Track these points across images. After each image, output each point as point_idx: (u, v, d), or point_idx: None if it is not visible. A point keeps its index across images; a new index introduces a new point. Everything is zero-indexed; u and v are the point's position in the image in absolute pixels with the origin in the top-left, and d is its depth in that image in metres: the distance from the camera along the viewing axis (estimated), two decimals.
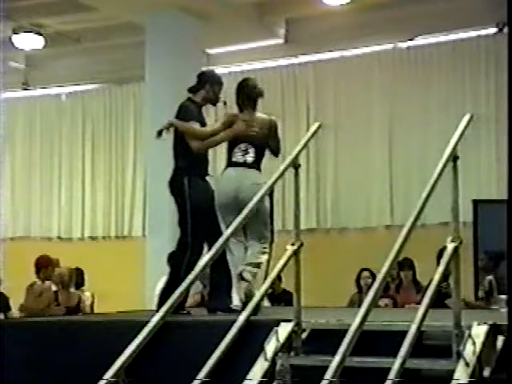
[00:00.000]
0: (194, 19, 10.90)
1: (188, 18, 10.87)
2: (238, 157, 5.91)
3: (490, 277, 8.75)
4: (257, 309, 4.78)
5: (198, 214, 5.89)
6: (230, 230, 4.58)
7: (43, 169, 14.09)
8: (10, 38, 12.31)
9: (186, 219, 5.88)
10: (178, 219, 6.10)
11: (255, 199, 4.69)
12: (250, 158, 5.91)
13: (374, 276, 8.82)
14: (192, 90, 6.24)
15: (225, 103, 6.21)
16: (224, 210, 5.80)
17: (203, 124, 6.19)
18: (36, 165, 14.14)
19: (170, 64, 10.89)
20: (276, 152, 6.11)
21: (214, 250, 4.52)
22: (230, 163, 5.94)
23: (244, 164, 5.89)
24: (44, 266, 9.24)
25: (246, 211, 4.60)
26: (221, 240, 4.55)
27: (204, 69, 7.52)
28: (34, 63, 13.98)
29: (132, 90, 13.28)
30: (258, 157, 5.96)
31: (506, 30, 10.85)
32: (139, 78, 11.48)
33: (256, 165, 5.93)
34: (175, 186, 6.13)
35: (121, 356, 4.23)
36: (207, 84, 6.20)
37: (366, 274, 9.24)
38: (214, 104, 6.28)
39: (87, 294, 9.70)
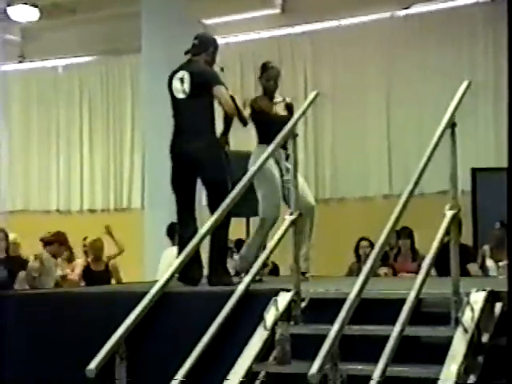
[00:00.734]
0: None
1: None
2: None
3: (486, 246, 8.79)
4: (255, 278, 4.79)
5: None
6: (228, 201, 4.57)
7: (41, 142, 14.07)
8: (5, 10, 12.25)
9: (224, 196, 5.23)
10: (210, 197, 5.66)
11: (254, 168, 4.69)
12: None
13: (372, 245, 8.81)
14: (196, 52, 6.02)
15: (222, 69, 6.14)
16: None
17: None
18: (33, 138, 14.12)
19: (167, 35, 10.83)
20: None
21: (213, 219, 4.52)
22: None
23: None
24: (50, 242, 9.22)
25: (245, 179, 4.61)
26: (220, 210, 4.54)
27: (202, 32, 7.33)
28: (30, 35, 13.91)
29: (128, 61, 13.23)
30: None
31: None
32: (136, 49, 11.42)
33: None
34: (211, 160, 5.62)
35: (120, 327, 4.24)
36: (210, 47, 6.07)
37: (364, 243, 9.25)
38: (211, 67, 6.14)
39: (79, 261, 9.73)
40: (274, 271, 9.21)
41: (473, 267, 8.43)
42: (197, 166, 5.59)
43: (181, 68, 5.85)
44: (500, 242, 8.72)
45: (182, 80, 5.77)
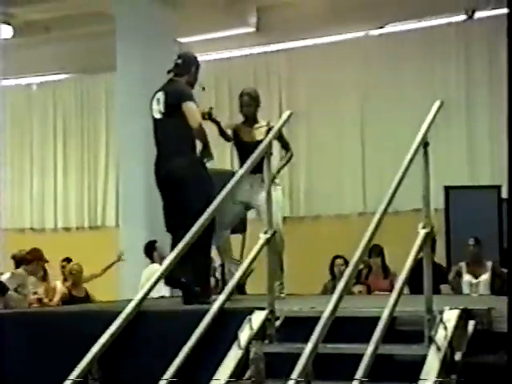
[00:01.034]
0: (164, 8, 10.85)
1: (159, 6, 10.81)
2: None
3: (462, 263, 8.86)
4: (230, 297, 4.78)
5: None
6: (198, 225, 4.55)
7: (14, 160, 13.99)
8: None
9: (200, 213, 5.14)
10: (188, 214, 5.41)
11: (228, 187, 4.69)
12: None
13: (347, 263, 8.84)
14: (178, 73, 5.99)
15: (203, 88, 6.16)
16: None
17: None
18: (7, 156, 14.02)
19: (141, 53, 10.84)
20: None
21: (188, 236, 4.51)
22: None
23: None
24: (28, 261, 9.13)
25: (218, 200, 4.60)
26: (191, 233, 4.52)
27: (184, 52, 7.28)
28: (4, 53, 13.84)
29: (103, 79, 13.21)
30: None
31: (476, 16, 10.93)
32: (110, 67, 11.40)
33: None
34: (192, 177, 5.61)
35: (93, 347, 4.22)
36: (192, 67, 6.05)
37: (339, 261, 9.27)
38: (192, 87, 6.13)
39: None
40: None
41: (445, 288, 8.51)
42: (179, 184, 5.59)
43: (161, 88, 5.88)
44: (475, 258, 8.79)
45: (158, 100, 5.78)
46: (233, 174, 5.98)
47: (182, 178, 5.58)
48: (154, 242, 9.29)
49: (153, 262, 9.26)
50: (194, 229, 4.48)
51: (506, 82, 3.24)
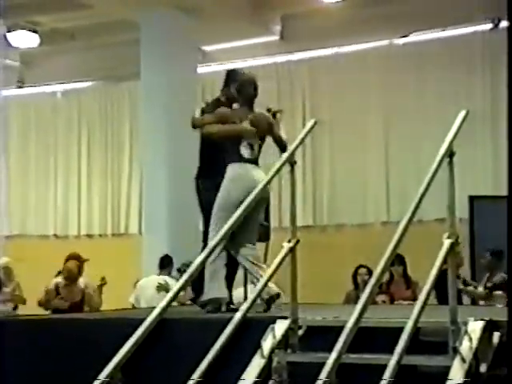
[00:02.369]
0: (188, 16, 10.90)
1: (183, 15, 10.87)
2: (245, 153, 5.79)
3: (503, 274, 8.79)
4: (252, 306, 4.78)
5: None
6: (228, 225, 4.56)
7: (39, 167, 14.09)
8: (5, 36, 12.29)
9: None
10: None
11: (252, 195, 4.68)
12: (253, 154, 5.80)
13: (370, 272, 8.82)
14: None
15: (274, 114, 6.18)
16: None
17: None
18: (31, 163, 14.14)
19: (166, 61, 10.89)
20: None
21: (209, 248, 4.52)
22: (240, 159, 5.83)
23: (251, 160, 5.82)
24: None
25: (243, 207, 4.59)
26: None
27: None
28: (29, 61, 13.97)
29: (127, 87, 13.27)
30: (259, 153, 5.91)
31: (501, 25, 10.86)
32: (134, 75, 11.47)
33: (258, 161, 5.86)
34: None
35: (117, 354, 4.22)
36: (230, 82, 6.17)
37: (363, 270, 9.24)
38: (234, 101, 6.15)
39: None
40: None
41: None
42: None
43: None
44: (492, 271, 8.72)
45: None
46: None
47: None
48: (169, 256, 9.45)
49: (163, 274, 9.32)
50: None
51: (506, 86, 3.21)
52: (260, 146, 5.86)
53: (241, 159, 5.68)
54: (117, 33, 12.34)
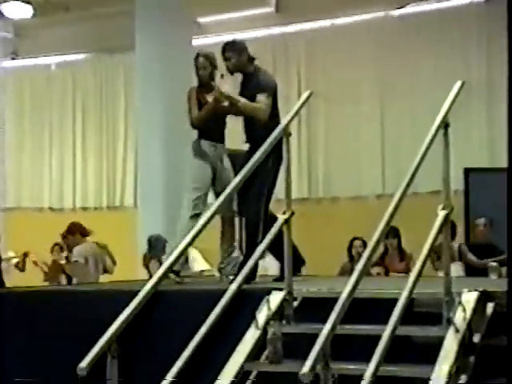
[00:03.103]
0: None
1: None
2: None
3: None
4: (250, 277, 4.80)
5: None
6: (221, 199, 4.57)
7: (33, 139, 14.04)
8: None
9: None
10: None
11: (246, 168, 4.67)
12: None
13: (365, 245, 8.83)
14: None
15: (222, 76, 6.16)
16: None
17: None
18: (26, 135, 14.09)
19: (160, 33, 10.81)
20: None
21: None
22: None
23: None
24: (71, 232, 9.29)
25: (238, 179, 4.60)
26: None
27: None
28: (23, 32, 13.87)
29: (122, 59, 13.18)
30: None
31: None
32: (129, 47, 11.38)
33: None
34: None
35: (112, 325, 4.24)
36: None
37: (357, 242, 9.26)
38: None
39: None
40: None
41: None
42: None
43: None
44: (485, 240, 8.77)
45: None
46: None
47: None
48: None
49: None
50: None
51: (506, 80, 3.20)
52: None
53: None
54: (111, 4, 12.24)
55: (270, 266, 7.08)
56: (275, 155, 5.12)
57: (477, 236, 9.02)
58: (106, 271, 9.13)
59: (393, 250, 8.97)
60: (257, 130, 5.72)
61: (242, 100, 5.87)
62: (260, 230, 5.51)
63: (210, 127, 6.10)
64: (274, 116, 5.78)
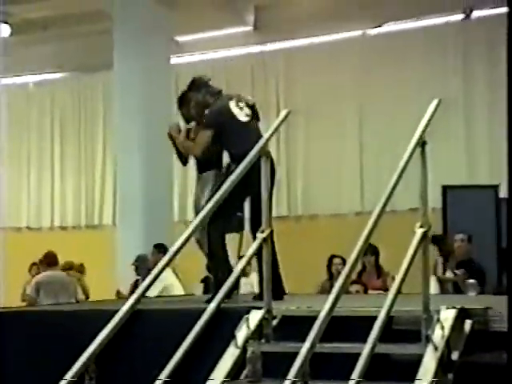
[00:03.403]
0: (162, 6, 10.85)
1: (156, 5, 10.82)
2: None
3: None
4: (228, 296, 4.78)
5: None
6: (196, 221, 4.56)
7: (11, 158, 13.97)
8: None
9: None
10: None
11: (225, 187, 4.66)
12: None
13: (345, 262, 8.84)
14: None
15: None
16: None
17: None
18: (3, 154, 14.01)
19: (139, 51, 10.83)
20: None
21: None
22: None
23: None
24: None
25: (216, 198, 4.59)
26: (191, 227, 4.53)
27: None
28: (1, 51, 13.82)
29: (101, 77, 13.20)
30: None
31: (473, 15, 10.93)
32: (108, 66, 11.39)
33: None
34: None
35: (90, 346, 4.20)
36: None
37: (337, 260, 9.26)
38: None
39: None
40: None
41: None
42: None
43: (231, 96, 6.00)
44: (464, 255, 8.79)
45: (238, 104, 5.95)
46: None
47: None
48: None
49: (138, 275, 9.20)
50: None
51: (506, 82, 3.23)
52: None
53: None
54: (89, 23, 12.26)
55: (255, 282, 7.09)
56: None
57: (456, 251, 9.04)
58: (77, 301, 8.98)
59: (370, 268, 8.99)
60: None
61: (181, 138, 6.08)
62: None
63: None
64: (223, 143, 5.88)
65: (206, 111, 6.07)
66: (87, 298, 9.79)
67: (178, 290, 8.83)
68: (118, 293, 9.23)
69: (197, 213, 5.98)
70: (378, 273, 8.99)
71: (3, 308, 6.26)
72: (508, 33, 3.20)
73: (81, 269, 10.24)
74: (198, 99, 6.07)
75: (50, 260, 9.18)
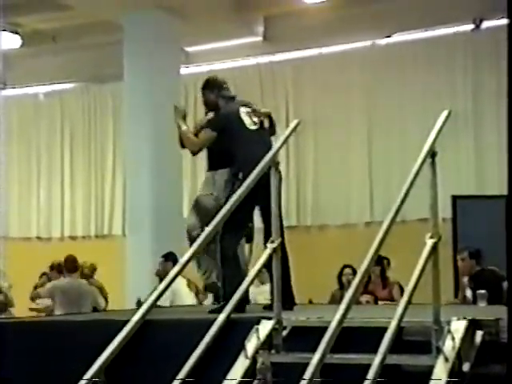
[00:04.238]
0: (171, 17, 10.89)
1: (166, 16, 10.86)
2: None
3: (465, 278, 8.76)
4: (240, 306, 4.78)
5: None
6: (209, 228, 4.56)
7: (21, 169, 14.03)
8: None
9: None
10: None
11: (235, 197, 4.66)
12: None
13: (355, 272, 8.83)
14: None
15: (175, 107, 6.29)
16: None
17: None
18: (14, 165, 14.06)
19: (149, 62, 10.87)
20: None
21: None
22: None
23: None
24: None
25: (226, 209, 4.58)
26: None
27: None
28: (11, 62, 13.88)
29: (110, 88, 13.23)
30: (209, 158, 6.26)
31: (483, 26, 10.92)
32: (117, 76, 11.43)
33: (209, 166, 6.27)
34: None
35: (100, 356, 4.20)
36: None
37: (348, 270, 9.26)
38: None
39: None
40: None
41: None
42: None
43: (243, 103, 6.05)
44: (470, 271, 8.71)
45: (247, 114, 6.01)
46: None
47: None
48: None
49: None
50: None
51: (506, 85, 3.23)
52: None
53: None
54: (99, 34, 12.30)
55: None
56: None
57: (460, 271, 8.94)
58: (95, 309, 8.89)
59: (376, 278, 8.97)
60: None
61: (184, 128, 6.05)
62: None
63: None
64: (227, 148, 5.88)
65: (211, 114, 6.09)
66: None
67: (187, 296, 8.80)
68: (139, 302, 9.12)
69: (198, 210, 6.11)
70: (383, 283, 8.98)
71: (14, 318, 6.28)
72: (508, 38, 3.20)
73: (92, 268, 10.11)
74: (210, 99, 6.10)
75: (70, 265, 9.00)
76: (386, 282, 8.95)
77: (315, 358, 3.55)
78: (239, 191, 4.65)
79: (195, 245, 4.50)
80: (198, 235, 4.88)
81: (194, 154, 6.15)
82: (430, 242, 4.11)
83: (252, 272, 4.67)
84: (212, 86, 6.11)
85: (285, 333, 4.46)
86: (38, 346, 5.06)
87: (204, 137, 5.94)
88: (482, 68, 10.98)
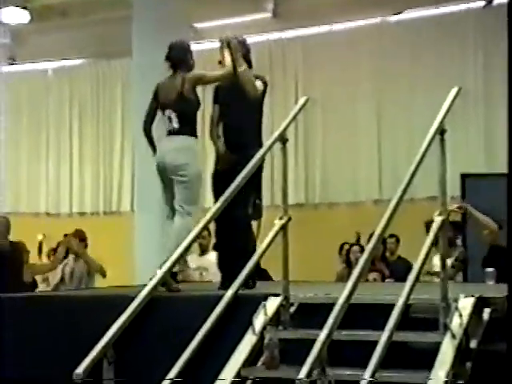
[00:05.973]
0: None
1: None
2: (167, 126, 6.12)
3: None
4: (247, 283, 4.80)
5: None
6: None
7: (30, 144, 14.04)
8: None
9: None
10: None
11: (243, 173, 4.66)
12: (175, 124, 6.09)
13: (363, 250, 8.84)
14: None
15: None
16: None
17: None
18: (23, 140, 14.08)
19: (157, 38, 10.78)
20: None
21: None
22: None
23: (170, 132, 6.11)
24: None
25: (236, 183, 4.57)
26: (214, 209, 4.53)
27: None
28: (20, 38, 13.88)
29: (119, 64, 13.20)
30: (184, 122, 6.04)
31: (494, 2, 10.83)
32: (126, 52, 11.38)
33: (183, 130, 6.03)
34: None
35: (108, 331, 4.23)
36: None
37: (355, 248, 9.26)
38: None
39: None
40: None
41: None
42: None
43: None
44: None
45: None
46: None
47: None
48: None
49: None
50: None
51: (507, 78, 3.21)
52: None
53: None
54: (108, 10, 12.26)
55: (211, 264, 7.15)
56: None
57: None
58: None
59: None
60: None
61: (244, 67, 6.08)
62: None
63: None
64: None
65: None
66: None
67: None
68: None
69: None
70: (385, 262, 9.00)
71: (24, 293, 6.31)
72: (508, 33, 3.17)
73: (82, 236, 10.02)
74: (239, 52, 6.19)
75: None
76: (387, 261, 8.96)
77: (323, 335, 3.57)
78: (246, 168, 4.65)
79: (205, 217, 4.51)
80: None
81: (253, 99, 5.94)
82: (438, 220, 4.11)
83: (261, 247, 4.67)
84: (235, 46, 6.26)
85: (292, 309, 4.48)
86: (48, 321, 5.10)
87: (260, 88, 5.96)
88: (493, 46, 10.88)
